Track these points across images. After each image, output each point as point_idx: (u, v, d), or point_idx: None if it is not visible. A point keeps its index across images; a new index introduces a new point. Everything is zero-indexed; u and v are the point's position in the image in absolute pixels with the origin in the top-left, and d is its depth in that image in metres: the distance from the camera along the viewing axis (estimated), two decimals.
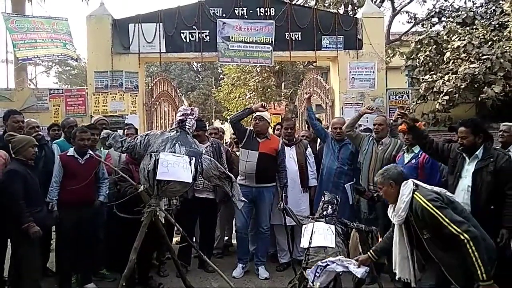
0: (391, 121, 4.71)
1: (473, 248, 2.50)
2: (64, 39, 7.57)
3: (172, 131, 3.82)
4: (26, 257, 3.66)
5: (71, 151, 4.16)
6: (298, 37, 7.07)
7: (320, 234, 3.43)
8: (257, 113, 4.67)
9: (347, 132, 4.57)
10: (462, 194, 3.40)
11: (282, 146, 4.70)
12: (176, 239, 5.38)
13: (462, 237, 2.53)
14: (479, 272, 2.49)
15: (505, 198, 3.24)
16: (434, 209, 2.62)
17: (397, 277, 3.01)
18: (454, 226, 2.56)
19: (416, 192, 2.73)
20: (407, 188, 2.78)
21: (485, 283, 2.49)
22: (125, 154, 4.14)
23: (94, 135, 4.28)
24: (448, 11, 10.34)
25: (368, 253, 3.17)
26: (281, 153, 4.64)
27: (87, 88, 7.08)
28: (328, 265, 3.08)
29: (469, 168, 3.40)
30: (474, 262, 2.50)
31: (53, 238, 4.56)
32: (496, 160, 3.29)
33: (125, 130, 5.14)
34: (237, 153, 5.04)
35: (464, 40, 6.31)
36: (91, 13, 7.04)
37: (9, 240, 3.90)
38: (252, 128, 4.74)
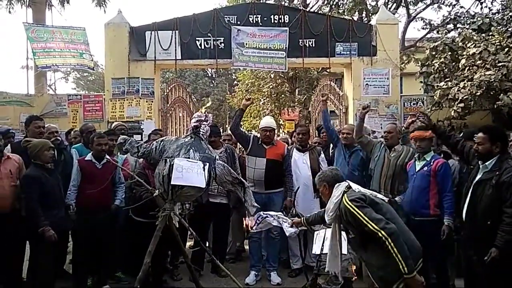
0: (403, 128, 4.71)
1: (392, 244, 2.59)
2: (81, 48, 7.74)
3: (187, 137, 3.90)
4: (41, 259, 3.77)
5: (89, 156, 4.27)
6: (312, 44, 7.08)
7: None
8: (265, 124, 4.81)
9: (358, 139, 4.59)
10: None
11: (287, 150, 4.76)
12: (189, 243, 5.43)
13: (380, 234, 2.62)
14: (400, 266, 2.57)
15: (501, 215, 3.07)
16: (355, 208, 2.71)
17: (326, 270, 3.17)
18: (373, 224, 2.65)
19: (345, 194, 2.82)
20: (338, 190, 2.89)
21: (408, 275, 2.58)
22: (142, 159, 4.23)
23: (113, 141, 4.39)
24: (463, 17, 10.23)
25: (302, 218, 3.54)
26: (287, 157, 4.70)
27: (104, 94, 7.22)
28: (267, 217, 3.62)
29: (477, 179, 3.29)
30: (395, 258, 2.58)
31: (70, 241, 4.66)
32: (501, 173, 3.12)
33: (152, 136, 5.22)
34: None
35: (480, 47, 6.23)
36: (109, 21, 7.18)
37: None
38: (256, 135, 4.82)
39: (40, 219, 3.65)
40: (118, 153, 4.57)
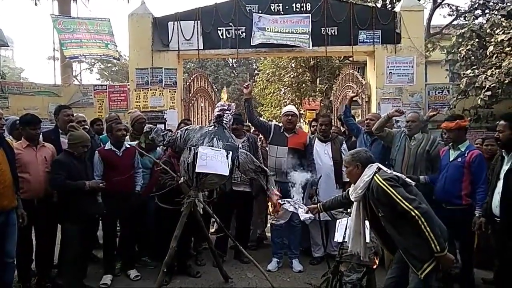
0: (425, 117, 4.65)
1: (425, 223, 2.66)
2: (106, 39, 7.92)
3: (210, 126, 3.96)
4: (70, 242, 3.95)
5: (108, 145, 4.37)
6: (334, 32, 7.02)
7: None
8: (287, 109, 4.81)
9: (377, 133, 4.55)
10: (497, 197, 3.23)
11: (310, 140, 4.74)
12: (212, 230, 5.54)
13: (413, 213, 2.68)
14: (432, 244, 2.66)
15: None
16: (388, 187, 2.78)
17: (349, 250, 3.22)
18: (406, 203, 2.71)
19: (376, 174, 2.89)
20: (370, 170, 2.96)
21: (439, 254, 2.67)
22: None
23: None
24: (492, 3, 9.87)
25: (318, 204, 3.63)
26: (309, 147, 4.70)
27: (129, 84, 7.36)
28: (284, 203, 3.78)
29: (505, 169, 3.21)
30: (427, 236, 2.66)
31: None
32: None
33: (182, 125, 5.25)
34: (267, 148, 5.12)
35: (509, 33, 6.04)
36: (132, 12, 7.28)
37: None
38: (277, 123, 4.82)
39: (77, 184, 3.85)
40: (144, 141, 4.66)
